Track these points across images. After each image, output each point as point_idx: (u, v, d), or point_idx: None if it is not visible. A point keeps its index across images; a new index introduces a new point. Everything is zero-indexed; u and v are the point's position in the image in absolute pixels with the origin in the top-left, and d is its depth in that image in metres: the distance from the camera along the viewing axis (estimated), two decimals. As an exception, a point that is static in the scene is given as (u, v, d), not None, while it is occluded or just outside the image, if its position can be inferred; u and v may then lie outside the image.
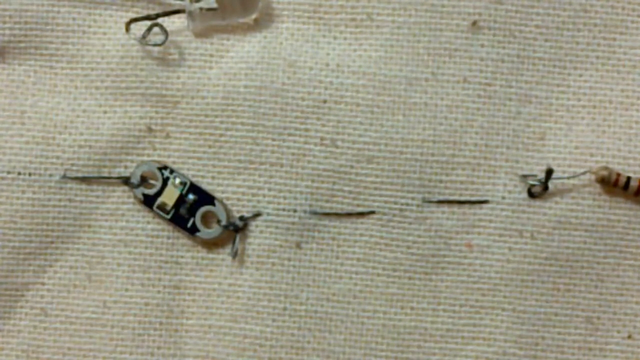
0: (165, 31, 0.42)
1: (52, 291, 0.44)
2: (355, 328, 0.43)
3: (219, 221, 0.43)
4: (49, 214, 0.43)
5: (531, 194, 0.43)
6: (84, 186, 0.44)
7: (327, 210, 0.43)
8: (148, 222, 0.44)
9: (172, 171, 0.43)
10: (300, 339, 0.43)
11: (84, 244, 0.44)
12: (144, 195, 0.43)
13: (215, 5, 0.42)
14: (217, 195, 0.43)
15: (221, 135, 0.43)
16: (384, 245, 0.43)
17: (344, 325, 0.43)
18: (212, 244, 0.44)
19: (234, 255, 0.43)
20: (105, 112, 0.43)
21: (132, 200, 0.44)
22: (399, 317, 0.43)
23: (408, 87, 0.43)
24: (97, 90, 0.44)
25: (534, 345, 0.43)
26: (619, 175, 0.41)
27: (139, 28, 0.43)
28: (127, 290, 0.44)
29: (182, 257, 0.44)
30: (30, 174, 0.43)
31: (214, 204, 0.43)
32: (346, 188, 0.43)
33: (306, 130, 0.43)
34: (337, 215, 0.43)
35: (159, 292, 0.44)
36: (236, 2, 0.42)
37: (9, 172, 0.43)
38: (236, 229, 0.43)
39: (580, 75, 0.43)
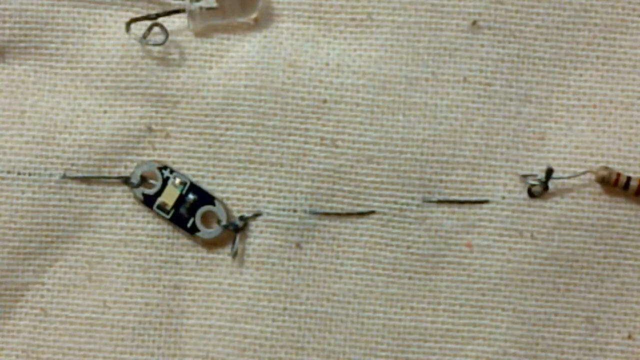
0: (165, 31, 0.42)
1: (52, 291, 0.44)
2: (355, 328, 0.43)
3: (219, 221, 0.43)
4: (49, 214, 0.43)
5: (531, 194, 0.43)
6: (84, 186, 0.44)
7: (327, 210, 0.43)
8: (148, 222, 0.44)
9: (172, 171, 0.43)
10: (300, 339, 0.43)
11: (84, 244, 0.44)
12: (144, 195, 0.43)
13: (215, 4, 0.42)
14: (217, 195, 0.43)
15: (221, 135, 0.43)
16: (384, 245, 0.43)
17: (344, 325, 0.43)
18: (212, 244, 0.44)
19: (234, 255, 0.43)
20: (105, 112, 0.43)
21: (132, 200, 0.44)
22: (399, 317, 0.43)
23: (408, 87, 0.43)
24: (97, 90, 0.43)
25: (534, 345, 0.43)
26: (619, 175, 0.41)
27: (139, 28, 0.43)
28: (127, 290, 0.44)
29: (182, 257, 0.44)
30: (30, 174, 0.43)
31: (214, 204, 0.43)
32: (346, 188, 0.43)
33: (306, 130, 0.43)
34: (337, 215, 0.43)
35: (159, 292, 0.44)
36: (236, 2, 0.42)
37: (9, 172, 0.43)
38: (236, 229, 0.43)
39: (580, 75, 0.43)
